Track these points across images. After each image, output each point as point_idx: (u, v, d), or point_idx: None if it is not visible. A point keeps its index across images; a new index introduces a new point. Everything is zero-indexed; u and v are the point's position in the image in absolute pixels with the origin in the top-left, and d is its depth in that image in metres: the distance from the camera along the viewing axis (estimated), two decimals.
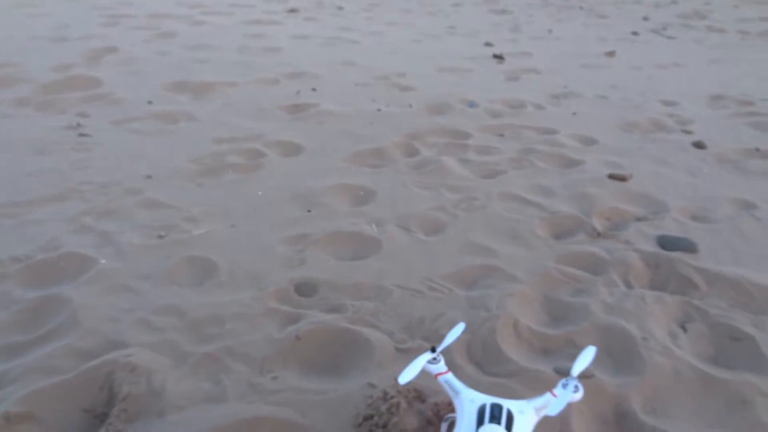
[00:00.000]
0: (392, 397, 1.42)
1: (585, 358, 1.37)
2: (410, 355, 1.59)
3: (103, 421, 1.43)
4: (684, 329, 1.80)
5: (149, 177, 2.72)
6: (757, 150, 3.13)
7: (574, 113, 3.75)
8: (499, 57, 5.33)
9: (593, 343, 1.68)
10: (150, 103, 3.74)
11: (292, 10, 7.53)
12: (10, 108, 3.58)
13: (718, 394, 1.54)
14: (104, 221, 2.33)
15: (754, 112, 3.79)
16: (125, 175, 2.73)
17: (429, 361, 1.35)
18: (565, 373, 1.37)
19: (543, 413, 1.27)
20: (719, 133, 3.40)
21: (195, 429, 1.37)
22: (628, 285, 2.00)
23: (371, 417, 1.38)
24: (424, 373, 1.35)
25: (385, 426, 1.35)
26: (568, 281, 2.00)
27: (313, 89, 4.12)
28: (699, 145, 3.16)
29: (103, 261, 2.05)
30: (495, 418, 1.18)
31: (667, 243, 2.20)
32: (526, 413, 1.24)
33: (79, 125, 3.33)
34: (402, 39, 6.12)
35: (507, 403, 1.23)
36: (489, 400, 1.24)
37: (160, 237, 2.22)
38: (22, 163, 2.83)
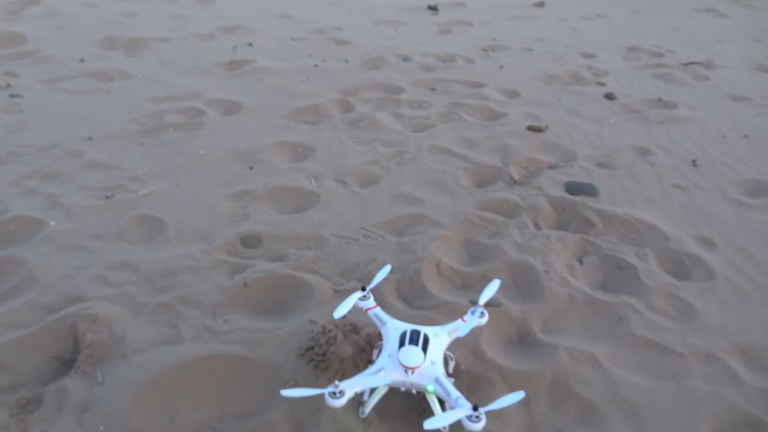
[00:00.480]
0: (330, 331, 1.65)
1: (490, 290, 1.64)
2: (346, 295, 1.81)
3: (71, 366, 1.60)
4: (581, 262, 2.11)
5: (89, 138, 2.77)
6: (659, 100, 3.46)
7: (501, 66, 3.98)
8: (433, 8, 5.45)
9: (504, 278, 1.97)
10: (82, 60, 3.69)
11: None
12: None
13: (602, 314, 1.86)
14: (49, 184, 2.40)
15: (662, 64, 4.12)
16: (65, 137, 2.77)
17: (360, 299, 1.58)
18: (476, 302, 1.63)
19: (455, 335, 1.53)
20: (629, 85, 3.72)
21: (157, 367, 1.56)
22: (537, 227, 2.28)
23: (312, 348, 1.61)
24: (357, 309, 1.59)
25: (324, 354, 1.59)
26: (486, 225, 2.27)
27: (250, 44, 4.15)
28: (609, 97, 3.46)
29: (53, 223, 2.15)
30: (413, 341, 1.43)
31: (572, 188, 2.50)
32: (440, 336, 1.50)
33: (8, 86, 3.27)
34: None
35: (424, 329, 1.49)
36: (409, 327, 1.49)
37: (107, 198, 2.32)
38: None
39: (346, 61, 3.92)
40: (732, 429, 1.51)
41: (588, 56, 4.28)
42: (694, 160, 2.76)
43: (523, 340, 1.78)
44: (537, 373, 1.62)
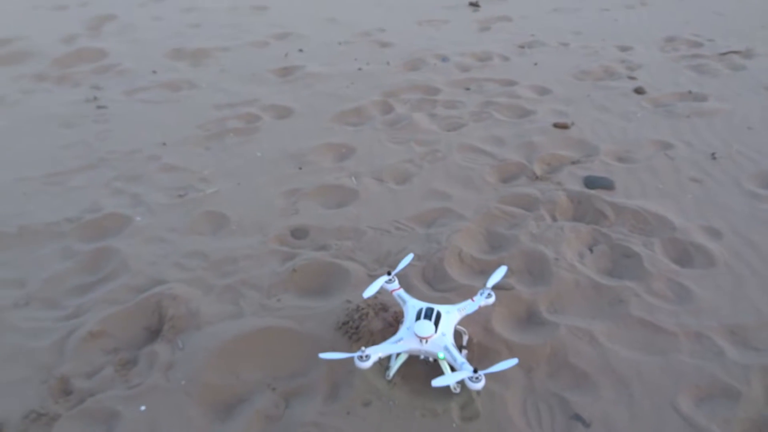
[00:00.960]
0: (363, 309, 1.98)
1: (498, 275, 1.92)
2: None
3: (158, 334, 2.00)
4: (591, 251, 2.34)
5: (164, 144, 3.21)
6: (690, 93, 3.57)
7: (536, 63, 4.16)
8: (474, 5, 5.63)
9: (518, 265, 2.24)
10: (155, 72, 4.16)
11: None
12: (32, 83, 4.02)
13: (604, 296, 2.10)
14: (133, 185, 2.85)
15: (699, 54, 4.18)
16: (144, 144, 3.22)
17: (386, 282, 1.90)
18: (485, 285, 1.91)
19: (464, 313, 1.83)
20: (661, 78, 3.82)
21: (224, 336, 1.94)
22: (554, 219, 2.52)
23: (347, 322, 1.95)
24: (384, 291, 1.91)
25: (357, 328, 1.92)
26: (506, 218, 2.53)
27: (300, 50, 4.51)
28: (639, 91, 3.59)
29: (138, 218, 2.58)
30: (427, 316, 1.73)
31: (590, 183, 2.71)
32: (451, 313, 1.80)
33: (95, 98, 3.78)
34: None
35: (438, 307, 1.79)
36: (425, 305, 1.80)
37: (180, 196, 2.73)
38: (54, 137, 3.32)
39: (388, 63, 4.22)
40: (710, 397, 1.73)
41: (624, 49, 4.38)
42: (713, 153, 2.90)
43: (530, 319, 2.05)
44: (539, 346, 1.89)
